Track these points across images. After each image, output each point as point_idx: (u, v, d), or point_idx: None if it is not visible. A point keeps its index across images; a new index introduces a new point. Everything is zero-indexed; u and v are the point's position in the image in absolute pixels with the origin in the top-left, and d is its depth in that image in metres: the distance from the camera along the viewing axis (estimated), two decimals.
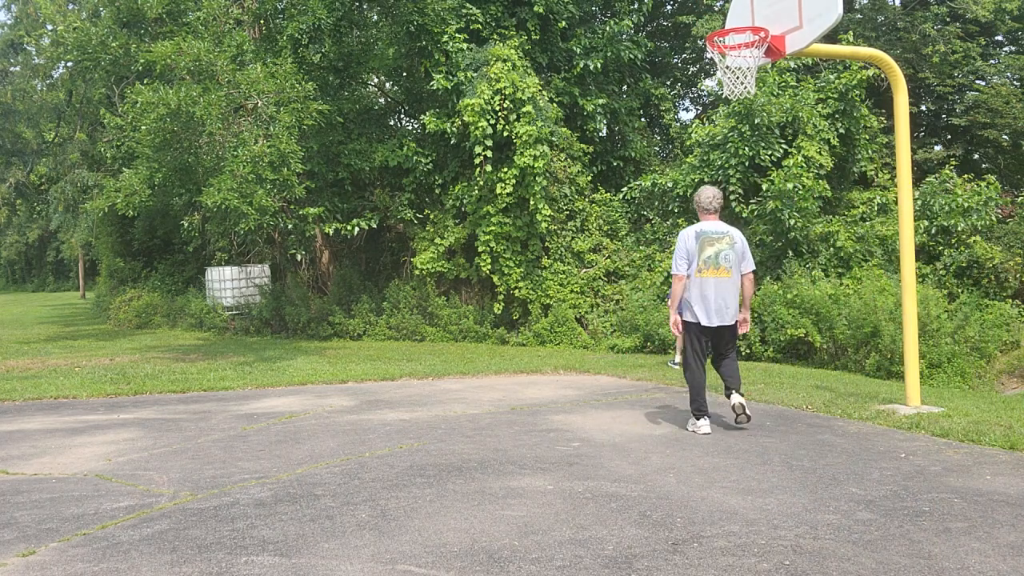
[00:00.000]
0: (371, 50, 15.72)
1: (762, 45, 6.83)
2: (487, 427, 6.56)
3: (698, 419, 6.17)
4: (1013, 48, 18.51)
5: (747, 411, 6.14)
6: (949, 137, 18.30)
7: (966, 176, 13.74)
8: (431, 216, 15.17)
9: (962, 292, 12.14)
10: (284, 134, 12.06)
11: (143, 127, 11.92)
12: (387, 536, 3.96)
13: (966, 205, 12.64)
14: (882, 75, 14.23)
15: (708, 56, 17.12)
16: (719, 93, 13.76)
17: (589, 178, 15.21)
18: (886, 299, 10.73)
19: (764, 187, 12.60)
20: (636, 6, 16.42)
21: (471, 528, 4.04)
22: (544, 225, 13.81)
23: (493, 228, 13.84)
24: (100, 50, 13.88)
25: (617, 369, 10.04)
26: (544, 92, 14.32)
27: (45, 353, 13.81)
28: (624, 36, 15.70)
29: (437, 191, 15.24)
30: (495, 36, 14.90)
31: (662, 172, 15.32)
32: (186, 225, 16.96)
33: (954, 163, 15.49)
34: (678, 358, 6.64)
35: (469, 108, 13.25)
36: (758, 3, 7.00)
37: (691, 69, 21.15)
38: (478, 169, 13.74)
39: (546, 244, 14.59)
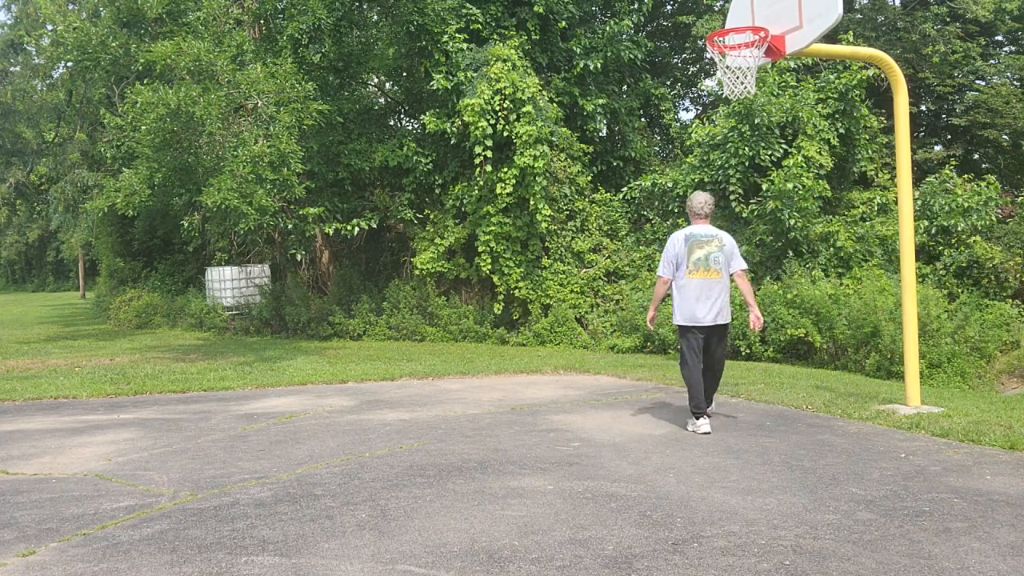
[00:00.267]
0: (371, 50, 15.71)
1: (762, 45, 6.83)
2: (487, 427, 6.56)
3: (697, 419, 6.25)
4: (1013, 48, 18.51)
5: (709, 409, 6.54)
6: (949, 137, 18.30)
7: (966, 176, 13.74)
8: (431, 216, 15.17)
9: (962, 292, 12.14)
10: (284, 134, 12.06)
11: (143, 127, 11.92)
12: (387, 536, 3.96)
13: (966, 205, 12.64)
14: (882, 75, 14.24)
15: (708, 56, 17.13)
16: (719, 93, 13.76)
17: (589, 178, 15.21)
18: (886, 299, 10.73)
19: (764, 187, 12.60)
20: (636, 6, 16.41)
21: (471, 528, 4.04)
22: (544, 225, 13.81)
23: (493, 228, 13.84)
24: (100, 50, 13.87)
25: (617, 369, 10.04)
26: (544, 92, 14.32)
27: (45, 353, 13.81)
28: (624, 36, 15.70)
29: (437, 191, 15.24)
30: (495, 36, 14.90)
31: (662, 172, 15.32)
32: (186, 225, 16.96)
33: (954, 163, 15.48)
34: None
35: (469, 108, 13.25)
36: (758, 3, 7.00)
37: (691, 69, 21.15)
38: (478, 169, 13.74)
39: (546, 244, 14.59)
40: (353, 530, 4.06)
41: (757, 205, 12.89)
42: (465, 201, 14.43)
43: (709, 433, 6.14)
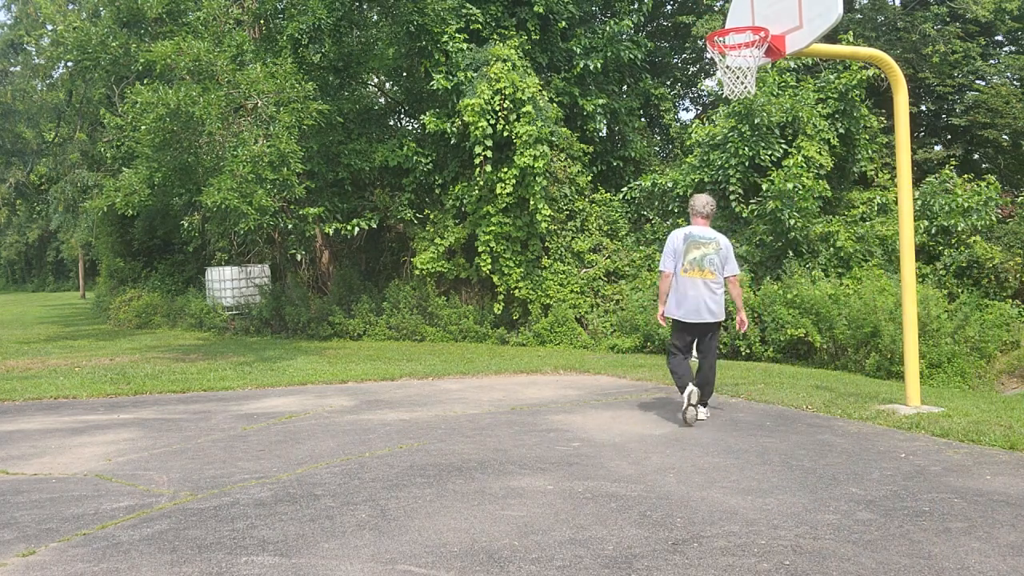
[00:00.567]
0: (371, 50, 15.71)
1: (762, 45, 6.83)
2: (487, 427, 6.56)
3: (681, 391, 6.56)
4: (1013, 48, 18.51)
5: (700, 416, 6.60)
6: (949, 137, 18.30)
7: (966, 176, 13.74)
8: (431, 216, 15.17)
9: (962, 292, 12.14)
10: (284, 134, 12.05)
11: (143, 127, 11.92)
12: (387, 536, 3.96)
13: (966, 205, 12.64)
14: (882, 75, 14.23)
15: (708, 56, 17.13)
16: (719, 93, 13.76)
17: (589, 178, 15.21)
18: (886, 299, 10.73)
19: (764, 187, 12.60)
20: (636, 6, 16.41)
21: (471, 528, 4.04)
22: (544, 225, 13.81)
23: (493, 228, 13.84)
24: (100, 50, 13.87)
25: (617, 369, 10.04)
26: (544, 92, 14.32)
27: (45, 353, 13.81)
28: (624, 36, 15.69)
29: (437, 191, 15.24)
30: (495, 36, 14.89)
31: (662, 172, 15.31)
32: (186, 225, 16.96)
33: (954, 163, 15.48)
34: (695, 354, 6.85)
35: (469, 108, 13.25)
36: (758, 3, 7.00)
37: (691, 69, 21.15)
38: (478, 169, 13.74)
39: (546, 244, 14.59)
40: (353, 530, 4.06)
41: (757, 205, 12.89)
42: (465, 201, 14.43)
43: (693, 407, 6.42)
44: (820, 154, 12.92)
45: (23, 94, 21.84)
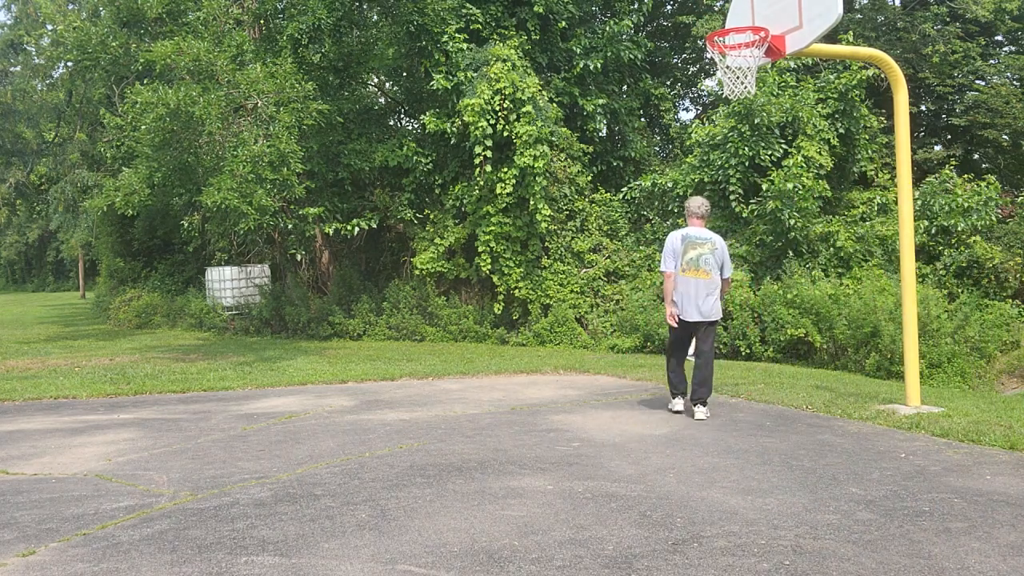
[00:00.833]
0: (371, 50, 15.71)
1: (762, 45, 6.83)
2: (487, 427, 6.56)
3: (673, 397, 6.98)
4: (1013, 48, 18.51)
5: (699, 418, 6.71)
6: (949, 137, 18.30)
7: (966, 176, 13.74)
8: (431, 216, 15.17)
9: (962, 292, 12.14)
10: (284, 134, 12.05)
11: (143, 127, 11.92)
12: (387, 536, 3.96)
13: (966, 205, 12.65)
14: (882, 75, 14.23)
15: (708, 56, 17.13)
16: (719, 93, 13.76)
17: (589, 178, 15.21)
18: (886, 299, 10.73)
19: (764, 187, 12.60)
20: (636, 6, 16.41)
21: (471, 528, 4.04)
22: (544, 225, 13.81)
23: (493, 228, 13.84)
24: (100, 50, 13.88)
25: (617, 369, 10.04)
26: (544, 92, 14.32)
27: (45, 353, 13.81)
28: (624, 36, 15.69)
29: (437, 191, 15.24)
30: (495, 36, 14.89)
31: (662, 172, 15.31)
32: (186, 225, 16.97)
33: (954, 163, 15.48)
34: (692, 350, 6.95)
35: (469, 108, 13.25)
36: (758, 3, 7.00)
37: (691, 69, 21.14)
38: (478, 169, 13.74)
39: (546, 244, 14.59)
40: (353, 530, 4.06)
41: (757, 205, 12.89)
42: (465, 201, 14.43)
43: (681, 412, 6.87)
44: (820, 154, 12.92)
45: (23, 94, 21.85)
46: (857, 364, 10.68)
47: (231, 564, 3.64)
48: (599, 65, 15.16)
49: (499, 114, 13.41)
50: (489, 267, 13.99)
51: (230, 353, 13.08)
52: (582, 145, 15.06)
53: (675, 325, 6.81)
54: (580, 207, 14.80)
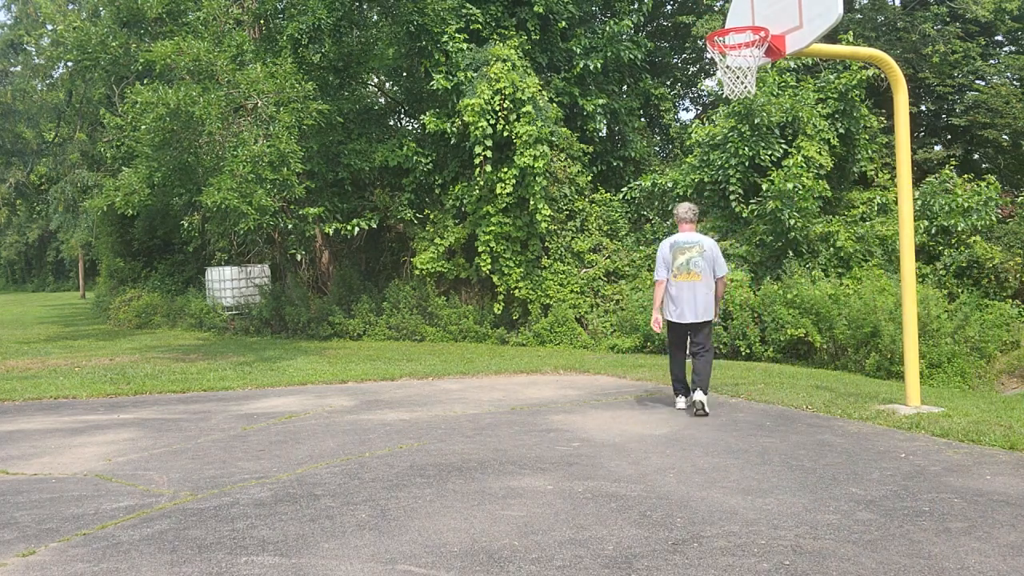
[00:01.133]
0: (371, 50, 15.71)
1: (762, 45, 6.83)
2: (487, 427, 6.56)
3: (676, 396, 7.28)
4: (1013, 48, 18.51)
5: (705, 409, 6.87)
6: (949, 137, 18.30)
7: (966, 176, 13.74)
8: (431, 216, 15.17)
9: (962, 292, 12.14)
10: (284, 134, 12.05)
11: (143, 127, 11.92)
12: (387, 536, 3.96)
13: (966, 205, 12.65)
14: (882, 75, 14.23)
15: (708, 56, 17.13)
16: (719, 93, 13.76)
17: (589, 178, 15.21)
18: (886, 299, 10.73)
19: (764, 187, 12.60)
20: (636, 6, 16.41)
21: (471, 528, 4.04)
22: (544, 225, 13.81)
23: (493, 228, 13.84)
24: (100, 50, 13.87)
25: (617, 369, 10.04)
26: (544, 92, 14.32)
27: (45, 353, 13.81)
28: (624, 36, 15.69)
29: (437, 191, 15.24)
30: (495, 36, 14.89)
31: (662, 172, 15.32)
32: (186, 225, 16.97)
33: (954, 163, 15.48)
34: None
35: (469, 108, 13.25)
36: (758, 3, 7.00)
37: (691, 69, 21.14)
38: (478, 169, 13.74)
39: (546, 244, 14.59)
40: (353, 530, 4.06)
41: (757, 205, 12.89)
42: (465, 201, 14.43)
43: (684, 409, 7.09)
44: (820, 154, 12.92)
45: (23, 94, 21.86)
46: (857, 364, 10.68)
47: (231, 564, 3.64)
48: (599, 65, 15.16)
49: (499, 114, 13.41)
50: (489, 267, 13.99)
51: (230, 353, 13.08)
52: (582, 145, 15.06)
53: (658, 330, 7.24)
54: (580, 207, 14.80)
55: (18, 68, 23.50)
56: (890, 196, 13.51)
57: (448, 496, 4.60)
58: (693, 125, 15.25)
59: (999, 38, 18.49)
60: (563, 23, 15.32)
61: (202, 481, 5.07)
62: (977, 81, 17.42)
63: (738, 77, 7.04)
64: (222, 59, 12.28)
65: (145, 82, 12.29)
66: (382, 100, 17.86)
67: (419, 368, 10.25)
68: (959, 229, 12.65)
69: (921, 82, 17.05)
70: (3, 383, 9.68)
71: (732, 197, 13.21)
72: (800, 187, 12.28)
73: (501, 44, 13.98)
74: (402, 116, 18.13)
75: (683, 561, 3.55)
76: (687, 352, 7.21)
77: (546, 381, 9.29)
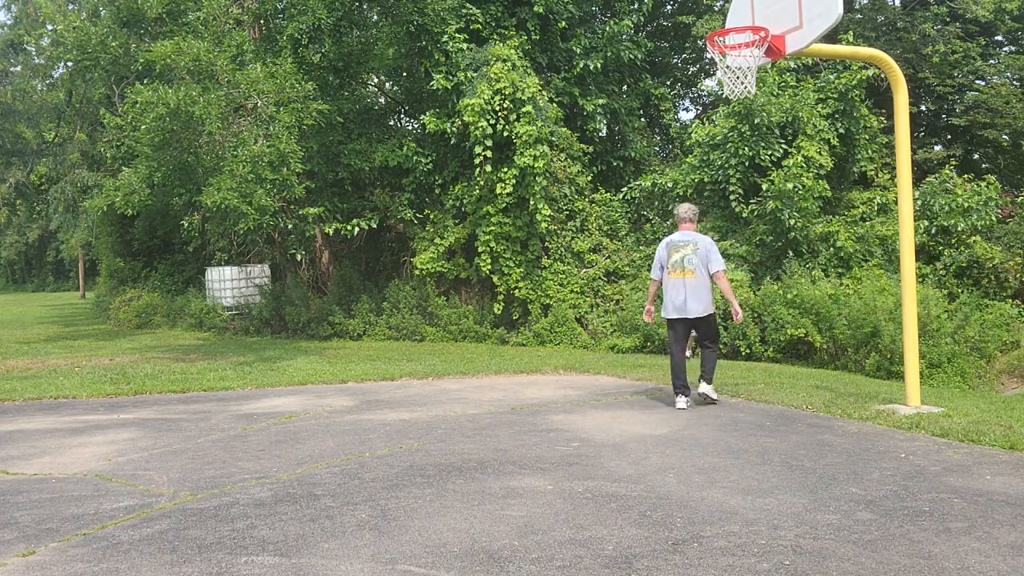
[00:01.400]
0: (371, 50, 15.71)
1: (762, 45, 6.83)
2: (487, 427, 6.56)
3: (676, 395, 7.33)
4: (1013, 48, 18.51)
5: (711, 397, 7.33)
6: (949, 137, 18.30)
7: (966, 176, 13.74)
8: (431, 216, 15.17)
9: (962, 292, 12.14)
10: (284, 134, 12.05)
11: (143, 127, 11.93)
12: (387, 536, 3.96)
13: (966, 205, 12.65)
14: (882, 75, 14.23)
15: (708, 56, 17.13)
16: (719, 93, 13.76)
17: (589, 178, 15.21)
18: (886, 299, 10.72)
19: (764, 187, 12.60)
20: (636, 6, 16.41)
21: (471, 528, 4.04)
22: (544, 225, 13.81)
23: (493, 228, 13.84)
24: (100, 50, 13.88)
25: (617, 369, 10.04)
26: (544, 92, 14.31)
27: (45, 353, 13.81)
28: (624, 36, 15.69)
29: (437, 191, 15.24)
30: (495, 36, 14.89)
31: (662, 172, 15.31)
32: (186, 225, 16.96)
33: (954, 163, 15.48)
34: (688, 353, 7.47)
35: (469, 108, 13.25)
36: (758, 3, 7.00)
37: (691, 69, 21.15)
38: (478, 169, 13.74)
39: (546, 244, 14.58)
40: (353, 530, 4.06)
41: (757, 205, 12.89)
42: (465, 201, 14.43)
43: (684, 409, 7.18)
44: (820, 154, 12.92)
45: (23, 94, 21.86)
46: (857, 364, 10.68)
47: (231, 564, 3.64)
48: (599, 65, 15.16)
49: (499, 114, 13.41)
50: (489, 267, 13.99)
51: (230, 353, 13.08)
52: (582, 145, 15.06)
53: (650, 321, 7.69)
54: (580, 207, 14.80)
55: (18, 68, 23.51)
56: (890, 196, 13.51)
57: (448, 496, 4.60)
58: (693, 125, 15.25)
59: (999, 38, 18.49)
60: (563, 23, 15.32)
61: (202, 481, 5.07)
62: (977, 81, 17.42)
63: (738, 77, 7.04)
64: (222, 59, 12.28)
65: (145, 82, 12.29)
66: (382, 100, 17.86)
67: (419, 368, 10.25)
68: (959, 229, 12.65)
69: (921, 82, 17.05)
70: (3, 383, 9.68)
71: (732, 197, 13.21)
72: (800, 187, 12.28)
73: (501, 44, 13.98)
74: (402, 116, 18.13)
75: (683, 561, 3.56)
76: (687, 351, 7.42)
77: (546, 381, 9.29)
